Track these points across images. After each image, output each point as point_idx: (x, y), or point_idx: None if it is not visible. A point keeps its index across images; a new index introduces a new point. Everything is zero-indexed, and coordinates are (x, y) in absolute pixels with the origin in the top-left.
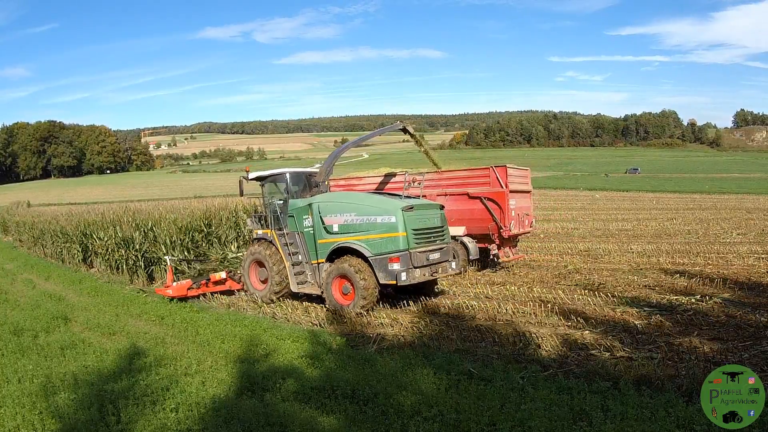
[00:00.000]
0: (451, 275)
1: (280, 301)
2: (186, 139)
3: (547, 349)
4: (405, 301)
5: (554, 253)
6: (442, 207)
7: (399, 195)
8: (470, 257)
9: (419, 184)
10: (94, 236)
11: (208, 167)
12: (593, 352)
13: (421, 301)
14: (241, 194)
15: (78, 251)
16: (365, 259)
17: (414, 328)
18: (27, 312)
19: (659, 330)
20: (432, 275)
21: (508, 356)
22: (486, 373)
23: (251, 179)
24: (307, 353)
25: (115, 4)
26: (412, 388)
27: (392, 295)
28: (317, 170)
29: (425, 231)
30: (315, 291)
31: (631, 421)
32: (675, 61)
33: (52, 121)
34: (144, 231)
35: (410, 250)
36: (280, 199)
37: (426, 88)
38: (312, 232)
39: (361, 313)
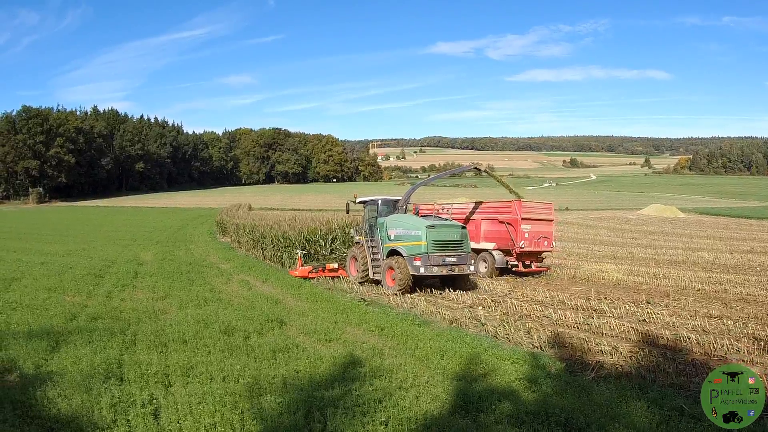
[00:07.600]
0: (467, 274)
1: (366, 284)
2: (415, 152)
3: None
4: (623, 330)
5: None
6: (463, 227)
7: (432, 216)
8: (496, 265)
9: (447, 210)
10: (318, 243)
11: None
12: None
13: (641, 331)
14: (347, 212)
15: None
16: (403, 257)
17: (632, 357)
18: (240, 312)
19: None
20: (449, 272)
21: None
22: (696, 410)
23: (357, 202)
24: (525, 376)
25: (344, 19)
26: (625, 421)
27: (437, 285)
28: (400, 197)
29: (444, 242)
30: (380, 278)
31: None
32: None
33: (277, 128)
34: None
35: (429, 254)
36: (373, 217)
37: (653, 110)
38: (383, 239)
39: (398, 294)
